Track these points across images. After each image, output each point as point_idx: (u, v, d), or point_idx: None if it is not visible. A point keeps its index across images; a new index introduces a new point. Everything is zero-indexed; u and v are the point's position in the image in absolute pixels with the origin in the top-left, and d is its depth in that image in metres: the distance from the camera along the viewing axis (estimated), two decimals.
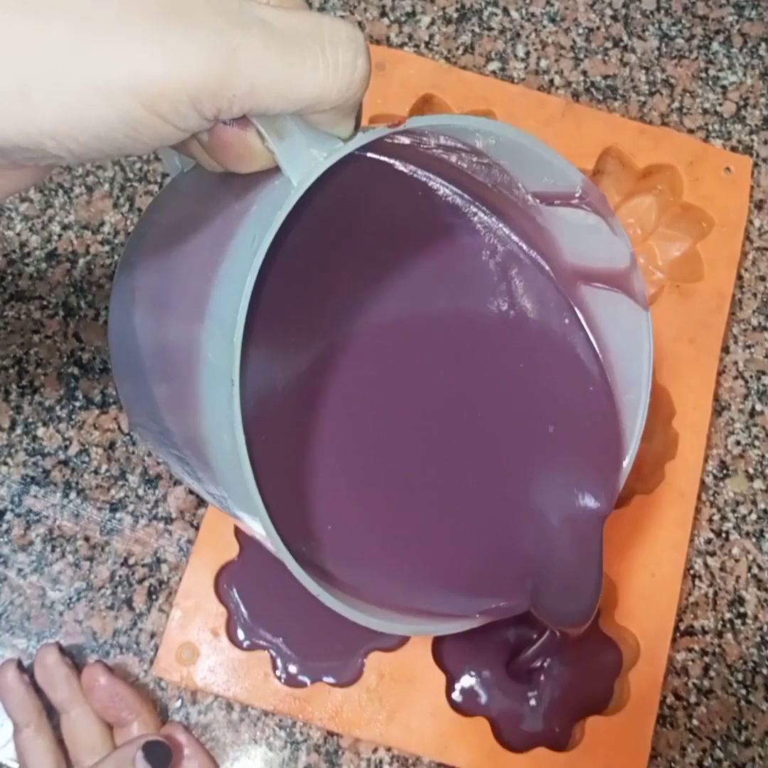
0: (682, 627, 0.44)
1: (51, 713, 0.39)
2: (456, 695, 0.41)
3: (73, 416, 0.45)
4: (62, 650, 0.40)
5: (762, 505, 0.46)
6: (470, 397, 0.34)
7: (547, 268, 0.34)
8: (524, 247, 0.34)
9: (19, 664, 0.39)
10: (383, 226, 0.33)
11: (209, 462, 0.27)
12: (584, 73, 0.53)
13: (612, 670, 0.42)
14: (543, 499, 0.33)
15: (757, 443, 0.47)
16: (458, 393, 0.34)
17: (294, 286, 0.31)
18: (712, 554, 0.45)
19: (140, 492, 0.44)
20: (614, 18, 0.54)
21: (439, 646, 0.41)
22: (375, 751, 0.41)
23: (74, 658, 0.41)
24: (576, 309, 0.34)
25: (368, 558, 0.32)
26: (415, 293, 0.34)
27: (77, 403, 0.45)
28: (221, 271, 0.25)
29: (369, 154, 0.27)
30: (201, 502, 0.44)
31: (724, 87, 0.53)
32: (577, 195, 0.30)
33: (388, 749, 0.41)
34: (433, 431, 0.34)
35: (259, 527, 0.25)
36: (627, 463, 0.34)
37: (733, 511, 0.46)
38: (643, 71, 0.53)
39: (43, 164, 0.22)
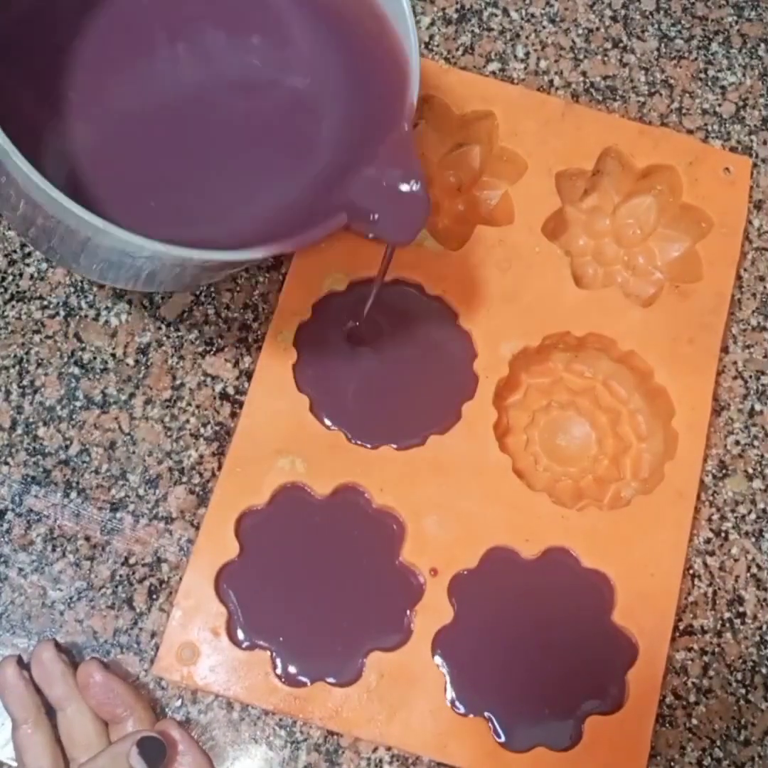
0: (681, 626, 0.44)
1: (50, 710, 0.39)
2: (456, 695, 0.41)
3: (74, 416, 0.45)
4: (59, 647, 0.40)
5: (761, 505, 0.46)
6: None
7: None
8: None
9: (20, 660, 0.39)
10: None
11: None
12: (584, 73, 0.53)
13: (625, 663, 0.42)
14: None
15: (756, 443, 0.47)
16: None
17: None
18: (712, 554, 0.45)
19: (141, 492, 0.44)
20: (614, 19, 0.54)
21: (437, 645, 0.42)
22: (375, 750, 0.42)
23: (72, 656, 0.41)
24: None
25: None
26: None
27: (78, 403, 0.45)
28: None
29: None
30: (201, 502, 0.44)
31: (723, 87, 0.53)
32: None
33: (388, 749, 0.41)
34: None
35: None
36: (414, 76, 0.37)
37: (733, 511, 0.46)
38: (643, 72, 0.53)
39: None
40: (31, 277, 0.47)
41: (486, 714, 0.41)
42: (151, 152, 0.38)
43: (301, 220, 0.36)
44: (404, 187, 0.35)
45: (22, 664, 0.39)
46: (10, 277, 0.47)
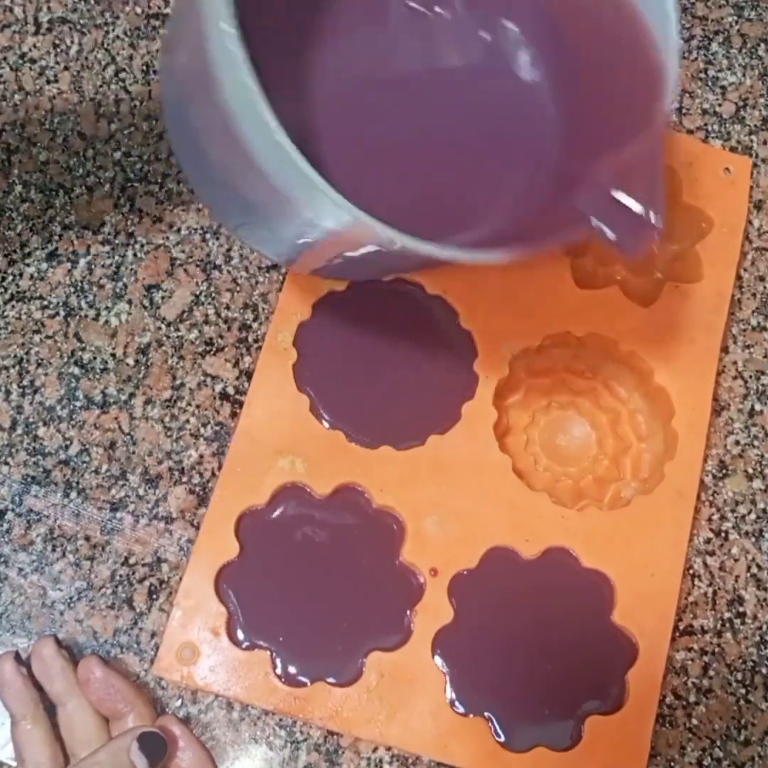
0: (681, 626, 0.44)
1: (49, 706, 0.39)
2: (456, 695, 0.41)
3: (74, 416, 0.45)
4: (59, 643, 0.40)
5: (761, 505, 0.46)
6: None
7: None
8: None
9: (17, 656, 0.39)
10: None
11: (241, 141, 0.29)
12: None
13: (625, 663, 0.42)
14: None
15: (756, 443, 0.47)
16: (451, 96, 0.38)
17: None
18: (712, 554, 0.45)
19: (141, 492, 0.44)
20: None
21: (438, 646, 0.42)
22: (375, 750, 0.41)
23: (72, 653, 0.41)
24: None
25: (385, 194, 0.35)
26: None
27: (78, 403, 0.45)
28: None
29: None
30: (201, 502, 0.44)
31: (723, 87, 0.53)
32: None
33: (388, 749, 0.41)
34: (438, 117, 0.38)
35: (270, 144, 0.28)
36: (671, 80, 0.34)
37: (733, 511, 0.46)
38: None
39: None
40: (31, 277, 0.47)
41: (486, 714, 0.41)
42: (376, 137, 0.37)
43: (526, 223, 0.34)
44: (639, 211, 0.33)
45: (20, 660, 0.39)
46: (10, 277, 0.47)
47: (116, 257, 0.48)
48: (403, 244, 0.29)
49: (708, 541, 0.45)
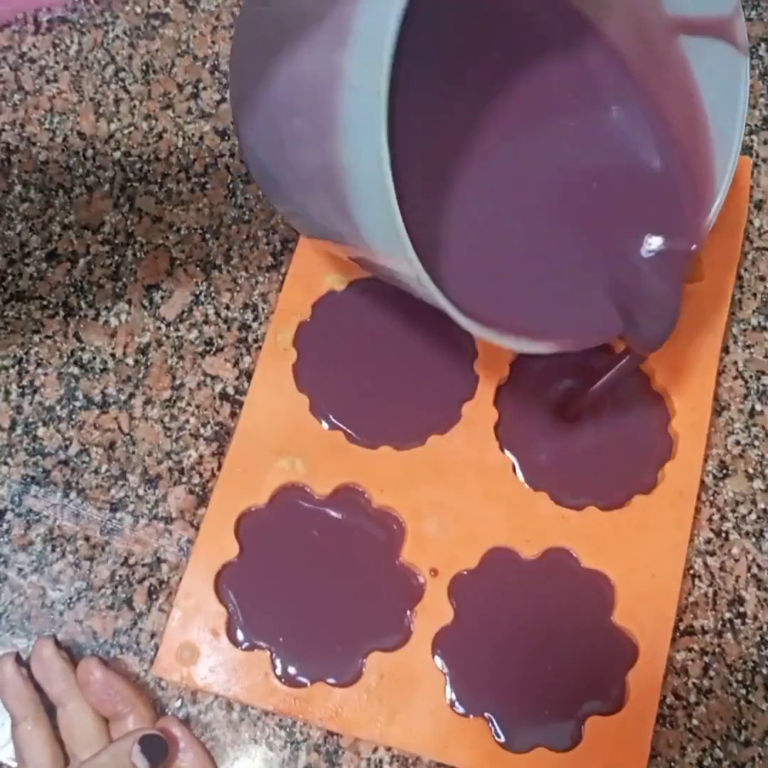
0: (681, 627, 0.44)
1: (50, 707, 0.39)
2: (456, 695, 0.41)
3: (74, 416, 0.45)
4: (58, 644, 0.40)
5: (761, 505, 0.46)
6: (577, 167, 0.40)
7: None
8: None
9: (17, 657, 0.39)
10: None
11: (345, 194, 0.29)
12: None
13: (626, 663, 0.42)
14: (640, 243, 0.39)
15: (756, 443, 0.47)
16: (565, 169, 0.40)
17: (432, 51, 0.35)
18: (712, 554, 0.45)
19: (140, 492, 0.44)
20: None
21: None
22: (375, 750, 0.41)
23: (72, 654, 0.41)
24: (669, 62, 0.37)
25: (490, 282, 0.37)
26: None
27: (77, 403, 0.45)
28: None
29: None
30: (201, 502, 0.44)
31: None
32: None
33: (388, 749, 0.41)
34: (547, 198, 0.39)
35: (404, 264, 0.29)
36: (716, 205, 0.37)
37: (733, 511, 0.46)
38: None
39: None
40: (31, 277, 0.47)
41: (486, 714, 0.41)
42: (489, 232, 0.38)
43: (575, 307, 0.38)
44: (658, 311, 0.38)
45: (21, 662, 0.39)
46: (10, 277, 0.47)
47: (116, 257, 0.48)
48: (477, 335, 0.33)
49: (708, 541, 0.45)
